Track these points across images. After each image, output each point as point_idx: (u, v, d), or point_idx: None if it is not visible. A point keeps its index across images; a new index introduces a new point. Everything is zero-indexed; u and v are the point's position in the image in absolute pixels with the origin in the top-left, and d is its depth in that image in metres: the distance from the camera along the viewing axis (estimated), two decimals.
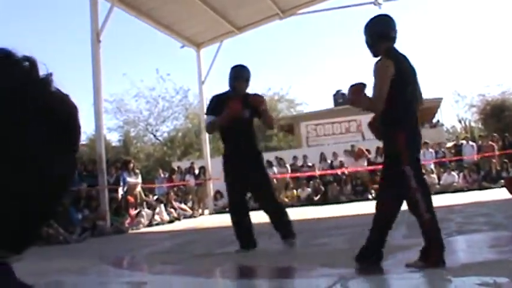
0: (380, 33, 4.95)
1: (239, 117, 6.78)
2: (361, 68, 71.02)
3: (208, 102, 7.34)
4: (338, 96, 35.42)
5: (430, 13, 65.02)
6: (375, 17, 5.11)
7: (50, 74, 0.82)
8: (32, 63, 0.81)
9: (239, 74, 7.15)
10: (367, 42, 5.06)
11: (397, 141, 4.80)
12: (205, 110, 7.66)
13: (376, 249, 4.94)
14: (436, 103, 36.91)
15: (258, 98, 7.26)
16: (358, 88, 4.93)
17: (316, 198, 19.82)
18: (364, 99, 4.91)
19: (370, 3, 20.05)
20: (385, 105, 4.72)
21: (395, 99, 4.73)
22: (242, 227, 7.23)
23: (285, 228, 7.25)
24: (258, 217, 7.42)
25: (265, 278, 5.40)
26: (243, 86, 7.17)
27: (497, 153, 20.38)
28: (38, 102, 0.78)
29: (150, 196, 18.07)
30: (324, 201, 19.38)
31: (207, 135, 21.56)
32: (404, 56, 4.96)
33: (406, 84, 4.86)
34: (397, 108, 4.80)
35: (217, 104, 6.96)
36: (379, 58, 4.88)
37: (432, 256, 4.61)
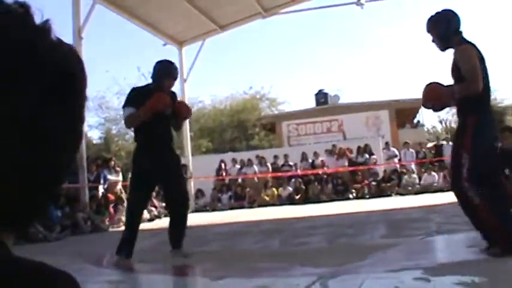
0: (454, 28, 5.06)
1: (163, 111, 6.29)
2: (343, 68, 71.27)
3: (127, 94, 6.63)
4: (320, 96, 35.48)
5: (411, 14, 65.28)
6: (442, 12, 5.18)
7: (48, 21, 0.76)
8: (27, 9, 0.73)
9: (174, 72, 6.61)
10: (442, 36, 5.10)
11: (467, 125, 4.84)
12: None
13: None
14: (417, 104, 36.96)
15: (188, 108, 7.17)
16: (437, 86, 5.04)
17: (297, 198, 19.84)
18: (455, 89, 4.91)
19: (353, 3, 20.14)
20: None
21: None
22: (135, 231, 6.46)
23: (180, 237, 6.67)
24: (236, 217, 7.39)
25: (245, 277, 5.40)
26: (171, 85, 6.69)
27: None
28: (40, 53, 0.72)
29: None
30: (305, 200, 19.40)
31: (188, 133, 21.53)
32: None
33: (486, 73, 4.91)
34: (479, 95, 4.78)
35: (138, 96, 6.33)
36: (457, 46, 4.97)
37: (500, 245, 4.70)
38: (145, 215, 15.79)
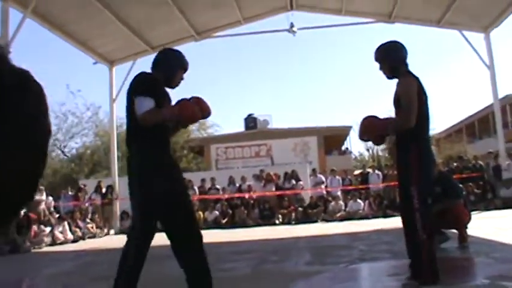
0: (402, 58, 5.29)
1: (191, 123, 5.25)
2: (273, 93, 71.78)
3: (142, 79, 4.88)
4: (249, 120, 35.73)
5: (342, 43, 66.49)
6: (392, 43, 5.39)
7: (2, 48, 0.73)
8: None
9: (187, 65, 5.25)
10: (391, 65, 5.28)
11: (410, 158, 4.99)
12: (140, 92, 4.70)
13: None
14: (345, 131, 37.74)
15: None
16: (373, 120, 5.21)
17: (223, 222, 19.81)
18: (388, 124, 5.13)
19: (285, 30, 20.43)
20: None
21: (418, 116, 4.97)
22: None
23: None
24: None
25: None
26: (181, 80, 5.27)
27: None
28: None
29: (55, 214, 17.61)
30: (231, 224, 19.39)
31: (116, 153, 21.27)
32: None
33: (426, 103, 5.13)
34: (419, 124, 4.98)
35: (155, 85, 4.87)
36: (401, 77, 5.19)
37: (424, 276, 4.85)
38: (69, 235, 15.51)
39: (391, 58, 5.30)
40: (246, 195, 21.12)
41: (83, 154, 39.09)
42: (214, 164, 33.89)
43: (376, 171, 22.60)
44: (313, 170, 23.22)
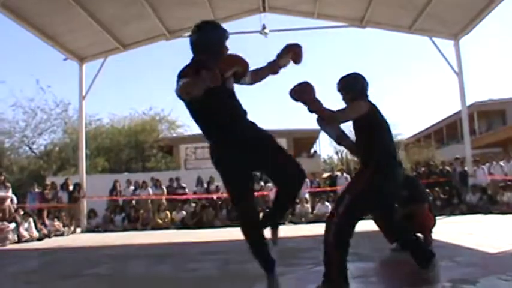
0: (361, 89, 5.40)
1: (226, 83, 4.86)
2: (243, 94, 71.86)
3: (181, 71, 4.74)
4: None
5: (312, 45, 66.70)
6: (354, 74, 5.49)
7: None
8: None
9: (228, 34, 5.04)
10: (354, 98, 5.34)
11: (365, 172, 5.10)
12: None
13: None
14: (314, 134, 37.84)
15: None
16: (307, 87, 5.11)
17: (190, 222, 19.77)
18: (318, 103, 5.07)
19: (257, 32, 20.46)
20: (368, 147, 5.22)
21: (377, 142, 5.17)
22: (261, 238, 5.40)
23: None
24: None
25: None
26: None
27: None
28: None
29: (20, 211, 17.43)
30: (199, 225, 19.36)
31: (84, 151, 21.13)
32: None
33: (384, 129, 5.26)
34: (377, 150, 5.14)
35: (193, 68, 4.71)
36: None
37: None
38: (35, 233, 15.35)
39: (355, 91, 5.39)
40: (214, 196, 21.10)
41: (51, 151, 38.68)
42: (183, 163, 33.79)
43: (345, 174, 22.73)
44: None
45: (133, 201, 21.19)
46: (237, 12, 20.57)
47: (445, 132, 45.86)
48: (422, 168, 22.56)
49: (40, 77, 72.27)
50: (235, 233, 14.51)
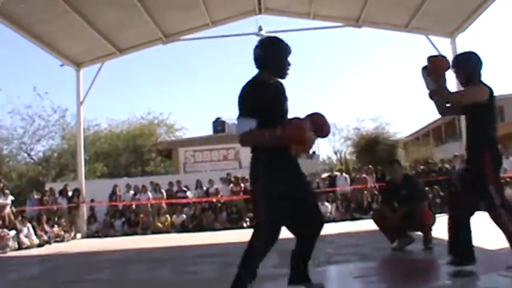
0: (479, 67, 5.69)
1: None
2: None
3: (243, 94, 4.70)
4: (218, 124, 35.70)
5: (309, 46, 66.69)
6: (469, 52, 5.84)
7: None
8: None
9: (290, 50, 4.88)
10: (466, 73, 5.68)
11: (485, 161, 5.36)
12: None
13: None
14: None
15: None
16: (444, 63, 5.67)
17: (190, 225, 19.77)
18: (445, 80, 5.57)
19: (253, 34, 20.43)
20: (479, 127, 5.52)
21: (489, 122, 5.53)
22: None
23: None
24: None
25: None
26: (288, 70, 4.89)
27: (369, 185, 21.10)
28: None
29: (20, 218, 17.39)
30: (199, 228, 19.35)
31: (82, 156, 21.12)
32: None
33: (495, 111, 5.70)
34: (490, 130, 5.49)
35: (256, 97, 4.64)
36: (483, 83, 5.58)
37: None
38: (35, 240, 15.33)
39: (473, 65, 5.69)
40: (214, 199, 21.09)
41: (49, 157, 38.53)
42: (182, 167, 33.75)
43: (344, 175, 22.74)
44: None
45: (133, 206, 21.16)
46: (232, 14, 20.55)
47: (444, 129, 45.84)
48: (422, 167, 22.54)
49: (37, 84, 71.99)
50: (234, 236, 14.53)
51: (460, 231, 5.56)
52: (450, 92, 5.62)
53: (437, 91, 5.62)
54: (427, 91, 5.73)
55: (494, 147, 5.48)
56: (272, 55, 4.75)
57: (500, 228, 5.34)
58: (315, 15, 20.17)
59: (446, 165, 21.97)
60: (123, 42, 19.78)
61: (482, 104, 5.40)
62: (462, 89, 5.69)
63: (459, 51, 19.58)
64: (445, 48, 20.01)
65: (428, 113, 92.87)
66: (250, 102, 4.60)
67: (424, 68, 5.67)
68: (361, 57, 79.20)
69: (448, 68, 5.59)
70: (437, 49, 19.72)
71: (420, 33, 20.13)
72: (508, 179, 17.87)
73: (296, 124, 4.59)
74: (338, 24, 21.28)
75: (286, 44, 4.81)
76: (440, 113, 6.03)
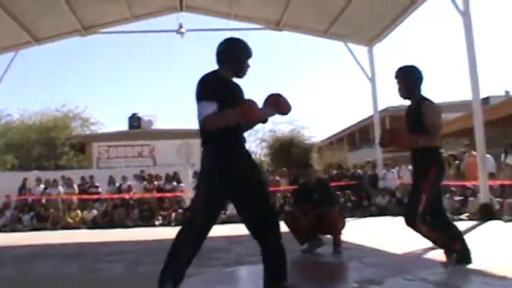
0: (421, 79, 5.94)
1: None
2: (159, 93, 71.27)
3: (200, 86, 4.83)
4: (133, 120, 35.29)
5: None
6: (413, 66, 6.01)
7: None
8: None
9: (252, 53, 5.06)
10: (409, 85, 5.91)
11: (430, 170, 5.64)
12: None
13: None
14: None
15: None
16: (402, 130, 5.94)
17: (102, 222, 19.47)
18: (414, 138, 5.73)
19: (173, 31, 20.35)
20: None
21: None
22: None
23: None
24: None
25: None
26: (246, 71, 5.06)
27: (281, 188, 21.29)
28: None
29: None
30: (110, 224, 19.08)
31: None
32: None
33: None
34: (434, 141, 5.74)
35: (217, 87, 4.77)
36: (425, 100, 5.82)
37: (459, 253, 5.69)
38: None
39: (413, 77, 5.93)
40: (127, 196, 20.85)
41: None
42: (96, 162, 33.22)
43: None
44: (195, 173, 23.17)
45: (43, 200, 20.66)
46: (154, 10, 20.43)
47: (358, 136, 46.80)
48: (335, 171, 22.93)
49: None
50: (146, 234, 14.39)
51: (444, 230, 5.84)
52: (419, 138, 5.73)
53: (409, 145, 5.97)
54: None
55: (439, 157, 5.84)
56: (234, 54, 4.95)
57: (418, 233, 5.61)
58: (237, 16, 20.27)
59: (359, 171, 22.44)
60: (40, 31, 19.32)
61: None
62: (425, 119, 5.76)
63: (376, 60, 20.19)
64: (363, 56, 20.47)
65: (344, 119, 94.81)
66: (211, 90, 4.71)
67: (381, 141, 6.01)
68: (281, 60, 79.95)
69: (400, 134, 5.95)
70: (354, 56, 20.15)
71: (339, 40, 20.52)
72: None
73: (250, 105, 4.69)
74: (258, 26, 21.40)
75: (248, 47, 5.03)
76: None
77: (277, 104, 4.92)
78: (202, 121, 4.69)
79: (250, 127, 5.20)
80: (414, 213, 5.55)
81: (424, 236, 5.71)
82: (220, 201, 4.96)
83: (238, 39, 5.11)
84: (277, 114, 5.06)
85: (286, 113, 5.06)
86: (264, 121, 4.97)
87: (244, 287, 5.83)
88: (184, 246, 4.72)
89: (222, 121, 4.62)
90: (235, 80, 5.02)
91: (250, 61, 5.03)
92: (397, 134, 6.01)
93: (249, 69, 5.04)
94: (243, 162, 4.83)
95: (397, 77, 5.91)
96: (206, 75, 4.89)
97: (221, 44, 5.03)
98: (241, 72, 4.98)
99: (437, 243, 5.88)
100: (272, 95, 4.99)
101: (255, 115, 4.72)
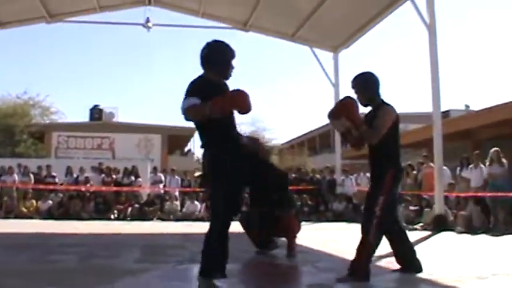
0: (377, 84, 5.85)
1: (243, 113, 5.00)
2: (122, 86, 70.78)
3: (189, 86, 5.01)
4: (95, 111, 35.05)
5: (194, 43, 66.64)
6: (368, 73, 5.92)
7: None
8: None
9: (235, 54, 5.29)
10: (366, 93, 5.79)
11: (386, 177, 5.55)
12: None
13: None
14: (190, 132, 37.85)
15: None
16: (352, 104, 5.60)
17: (57, 212, 19.25)
18: (362, 122, 5.57)
19: (140, 24, 20.24)
20: (383, 144, 5.57)
21: (393, 142, 5.69)
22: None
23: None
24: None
25: None
26: (232, 72, 5.30)
27: None
28: None
29: None
30: (65, 216, 18.87)
31: None
32: None
33: (398, 128, 5.81)
34: (394, 149, 5.71)
35: (203, 88, 4.96)
36: (384, 104, 5.75)
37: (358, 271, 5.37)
38: None
39: (371, 86, 5.83)
40: (83, 187, 20.66)
41: None
42: (54, 151, 32.89)
43: None
44: (154, 168, 23.12)
45: None
46: (121, 2, 20.30)
47: (318, 140, 47.10)
48: (293, 175, 23.01)
49: None
50: (101, 227, 14.29)
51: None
52: (366, 129, 5.61)
53: (353, 130, 5.74)
54: (340, 132, 5.98)
55: (397, 164, 5.75)
56: (218, 56, 5.17)
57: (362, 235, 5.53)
58: (204, 14, 20.23)
59: (317, 176, 22.58)
60: (5, 15, 18.99)
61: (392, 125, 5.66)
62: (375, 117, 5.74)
63: (340, 66, 20.33)
64: (328, 62, 20.59)
65: (306, 123, 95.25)
66: (196, 90, 4.95)
67: (331, 113, 5.77)
68: (247, 61, 79.96)
69: (357, 107, 5.68)
70: (320, 62, 20.25)
71: (305, 44, 20.60)
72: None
73: (219, 100, 4.80)
74: (225, 25, 21.38)
75: (232, 49, 5.25)
76: (352, 146, 6.15)
77: (233, 100, 4.97)
78: (184, 112, 4.89)
79: (230, 119, 5.30)
80: (368, 222, 5.57)
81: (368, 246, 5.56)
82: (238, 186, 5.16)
83: (221, 42, 5.29)
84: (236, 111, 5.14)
85: (244, 112, 5.08)
86: (245, 112, 5.05)
87: (194, 285, 5.81)
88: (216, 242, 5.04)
89: (199, 112, 4.81)
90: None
91: (234, 62, 5.23)
92: (350, 104, 5.68)
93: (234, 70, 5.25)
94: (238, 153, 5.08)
95: (353, 86, 5.88)
96: (194, 80, 5.10)
97: (204, 47, 5.19)
98: (226, 73, 5.22)
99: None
100: (232, 91, 5.04)
101: (226, 107, 4.84)
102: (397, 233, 5.86)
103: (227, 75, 5.23)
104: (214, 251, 5.02)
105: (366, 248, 5.43)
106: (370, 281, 5.31)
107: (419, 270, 5.80)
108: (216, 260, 5.05)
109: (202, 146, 5.23)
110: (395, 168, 5.66)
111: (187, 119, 4.98)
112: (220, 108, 4.75)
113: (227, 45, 5.23)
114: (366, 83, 5.83)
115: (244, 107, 4.94)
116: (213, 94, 4.82)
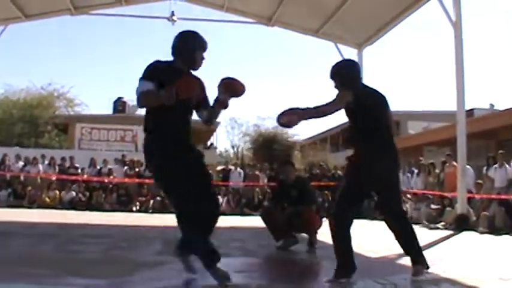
0: (356, 72, 5.77)
1: (188, 99, 4.89)
2: None
3: (146, 67, 4.97)
4: (118, 104, 35.17)
5: (221, 38, 66.78)
6: (343, 62, 6.09)
7: None
8: None
9: (206, 45, 5.25)
10: (345, 84, 5.60)
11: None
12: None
13: None
14: (212, 125, 37.86)
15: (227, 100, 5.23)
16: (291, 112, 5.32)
17: (79, 203, 19.40)
18: (304, 113, 5.35)
19: (165, 18, 20.26)
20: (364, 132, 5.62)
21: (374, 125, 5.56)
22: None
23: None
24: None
25: (5, 282, 5.15)
26: (202, 61, 5.25)
27: (261, 183, 21.34)
28: None
29: None
30: (87, 207, 19.03)
31: None
32: (371, 92, 5.67)
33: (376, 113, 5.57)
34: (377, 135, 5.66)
35: (160, 72, 4.92)
36: (363, 88, 5.65)
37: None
38: None
39: (345, 79, 5.64)
40: (106, 179, 20.79)
41: None
42: (78, 143, 33.05)
43: (238, 169, 22.86)
44: None
45: (21, 177, 20.56)
46: None
47: (341, 137, 46.90)
48: (317, 171, 22.97)
49: None
50: (122, 218, 14.34)
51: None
52: (312, 109, 5.49)
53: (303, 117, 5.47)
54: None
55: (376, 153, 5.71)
56: (185, 46, 5.13)
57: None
58: (229, 8, 20.17)
59: (339, 172, 22.49)
60: (29, 7, 19.08)
61: (359, 110, 5.51)
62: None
63: (364, 63, 20.22)
64: (352, 58, 20.46)
65: (328, 120, 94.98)
66: (153, 72, 4.91)
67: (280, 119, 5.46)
68: (273, 56, 79.90)
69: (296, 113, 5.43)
70: (343, 58, 20.14)
71: (329, 40, 20.47)
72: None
73: (186, 80, 4.82)
74: (250, 20, 21.34)
75: (203, 40, 5.21)
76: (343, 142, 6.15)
77: (226, 87, 5.07)
78: (137, 98, 4.87)
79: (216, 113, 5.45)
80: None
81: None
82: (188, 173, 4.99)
83: (192, 32, 5.27)
84: (231, 98, 5.18)
85: (237, 95, 5.16)
86: (225, 106, 5.19)
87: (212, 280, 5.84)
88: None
89: (155, 99, 4.76)
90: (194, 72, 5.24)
91: (205, 54, 5.22)
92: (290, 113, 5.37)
93: (204, 61, 5.23)
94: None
95: (331, 77, 5.78)
96: (157, 60, 5.08)
97: (175, 36, 5.20)
98: (194, 64, 5.18)
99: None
100: (222, 79, 5.11)
101: (190, 89, 4.77)
102: (404, 225, 5.74)
103: (195, 66, 5.20)
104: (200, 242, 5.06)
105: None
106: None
107: (425, 265, 5.69)
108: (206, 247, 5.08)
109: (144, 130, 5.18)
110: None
111: (140, 105, 5.05)
112: (171, 95, 4.60)
113: (196, 35, 5.21)
114: (343, 75, 5.72)
115: (239, 91, 5.09)
116: (171, 81, 4.69)
